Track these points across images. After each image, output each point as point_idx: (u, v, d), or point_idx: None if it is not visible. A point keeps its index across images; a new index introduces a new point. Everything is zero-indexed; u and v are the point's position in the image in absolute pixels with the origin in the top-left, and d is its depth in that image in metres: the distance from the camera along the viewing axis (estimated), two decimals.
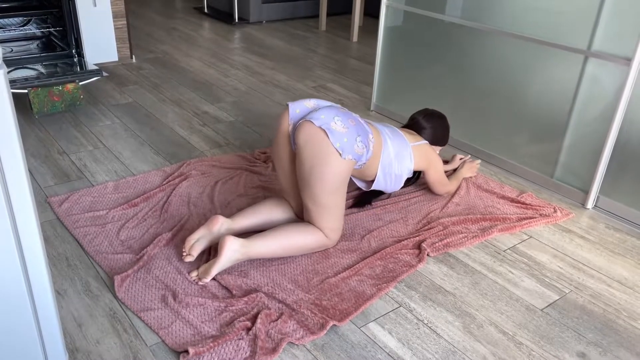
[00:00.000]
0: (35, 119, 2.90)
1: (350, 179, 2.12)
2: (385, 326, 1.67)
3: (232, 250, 1.79)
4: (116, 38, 3.84)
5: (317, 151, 1.82)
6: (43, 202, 2.20)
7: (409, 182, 2.44)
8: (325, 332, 1.61)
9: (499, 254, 2.04)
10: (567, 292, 1.86)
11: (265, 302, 1.70)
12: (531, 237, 2.15)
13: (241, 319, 1.63)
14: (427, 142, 2.27)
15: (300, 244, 1.88)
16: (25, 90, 2.74)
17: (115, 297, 1.71)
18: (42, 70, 3.09)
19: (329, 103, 2.00)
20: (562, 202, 2.43)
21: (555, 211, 2.31)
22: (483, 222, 2.22)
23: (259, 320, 1.60)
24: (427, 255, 2.00)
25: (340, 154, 1.82)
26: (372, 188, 2.16)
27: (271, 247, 1.84)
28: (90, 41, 3.55)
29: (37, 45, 3.49)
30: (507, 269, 1.96)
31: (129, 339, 1.56)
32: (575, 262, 2.01)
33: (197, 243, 1.87)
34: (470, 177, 2.55)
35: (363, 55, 4.51)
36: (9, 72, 2.97)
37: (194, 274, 1.80)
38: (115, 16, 3.77)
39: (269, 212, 2.01)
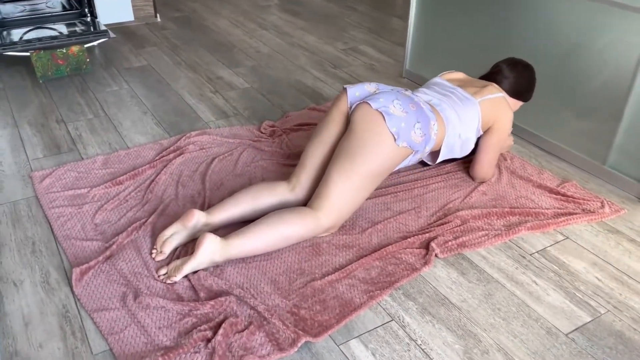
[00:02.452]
0: (41, 84, 2.77)
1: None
2: (369, 345, 1.41)
3: (210, 251, 1.57)
4: None
5: (372, 131, 1.71)
6: (27, 176, 2.06)
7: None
8: (296, 349, 1.37)
9: (524, 258, 1.71)
10: (602, 312, 1.52)
11: (234, 308, 1.48)
12: (567, 237, 1.81)
13: (202, 327, 1.42)
14: (504, 95, 2.01)
15: (287, 234, 1.64)
16: (28, 53, 2.59)
17: (73, 292, 1.54)
18: (57, 32, 2.94)
19: (390, 87, 1.86)
20: (613, 194, 2.04)
21: (602, 206, 1.94)
22: (510, 217, 1.89)
23: (221, 331, 1.39)
24: (435, 256, 1.70)
25: (395, 139, 1.68)
26: (439, 160, 1.96)
27: (254, 245, 1.61)
28: (104, 0, 3.36)
29: (61, 4, 3.33)
30: (531, 278, 1.64)
31: (74, 344, 1.39)
32: (618, 274, 1.66)
33: (170, 239, 1.67)
34: (505, 159, 2.20)
35: (407, 13, 4.09)
36: (26, 33, 2.84)
37: (163, 271, 1.60)
38: None
39: (252, 200, 1.76)
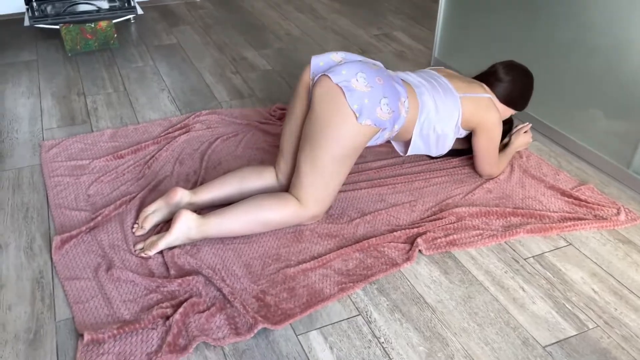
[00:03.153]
0: (71, 58, 2.85)
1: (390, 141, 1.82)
2: (329, 338, 1.36)
3: (187, 227, 1.56)
4: None
5: (331, 110, 1.55)
6: (37, 145, 2.13)
7: (461, 152, 2.04)
8: (252, 334, 1.34)
9: (517, 262, 1.60)
10: (590, 327, 1.40)
11: (200, 288, 1.47)
12: (570, 244, 1.67)
13: (164, 304, 1.41)
14: (491, 96, 1.86)
15: (268, 219, 1.60)
16: (57, 26, 2.67)
17: (51, 259, 1.58)
18: (88, 7, 3.01)
19: (359, 57, 1.71)
20: (634, 201, 1.87)
21: (618, 213, 1.78)
22: (512, 218, 1.77)
23: (181, 310, 1.38)
24: (420, 252, 1.62)
25: (356, 117, 1.54)
26: (409, 153, 1.83)
27: (231, 225, 1.58)
28: None
29: None
30: (519, 283, 1.53)
31: (41, 309, 1.42)
32: (619, 287, 1.52)
33: (151, 215, 1.67)
34: (521, 157, 2.07)
35: None
36: (68, 7, 2.94)
37: (139, 245, 1.61)
38: None
39: (239, 182, 1.74)
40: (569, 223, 1.73)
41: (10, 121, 2.28)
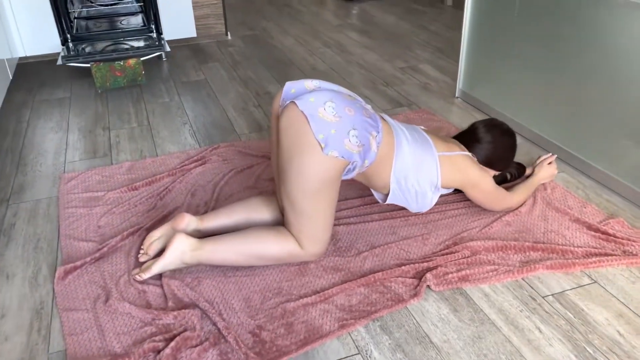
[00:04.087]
0: (100, 94, 2.94)
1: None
2: None
3: (180, 251, 1.54)
4: (212, 15, 3.79)
5: (296, 140, 1.47)
6: (58, 177, 2.17)
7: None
8: None
9: (534, 300, 1.49)
10: None
11: (195, 322, 1.42)
12: (595, 281, 1.54)
13: (157, 337, 1.37)
14: (470, 154, 1.76)
15: (263, 253, 1.56)
16: (88, 65, 2.77)
17: (54, 289, 1.58)
18: (127, 45, 3.13)
19: (334, 86, 1.63)
20: None
21: None
22: (531, 253, 1.66)
23: (172, 344, 1.34)
24: (429, 288, 1.53)
25: (322, 148, 1.44)
26: (388, 202, 1.73)
27: (225, 254, 1.55)
28: (168, 17, 3.53)
29: (141, 19, 3.57)
30: (536, 324, 1.41)
31: (36, 340, 1.41)
32: None
33: (157, 241, 1.66)
34: (545, 189, 1.96)
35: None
36: (106, 47, 3.05)
37: (136, 270, 1.59)
38: None
39: (247, 212, 1.71)
40: (594, 259, 1.61)
41: (36, 155, 2.35)
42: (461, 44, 2.68)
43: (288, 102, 1.54)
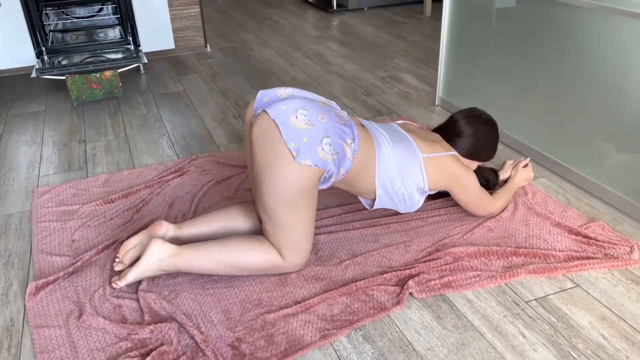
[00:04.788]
0: (76, 106, 2.89)
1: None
2: None
3: (157, 258, 1.50)
4: (191, 27, 3.77)
5: (267, 149, 1.44)
6: (31, 191, 2.11)
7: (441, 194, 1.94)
8: None
9: (518, 305, 1.47)
10: None
11: (172, 336, 1.38)
12: (578, 285, 1.53)
13: (132, 353, 1.33)
14: (453, 153, 1.75)
15: (244, 263, 1.52)
16: (64, 77, 2.73)
17: (25, 306, 1.52)
18: (104, 57, 3.09)
19: (308, 94, 1.60)
20: None
21: (631, 251, 1.65)
22: (513, 258, 1.65)
23: (148, 359, 1.29)
24: (411, 295, 1.51)
25: (294, 156, 1.42)
26: (376, 207, 1.71)
27: (203, 261, 1.51)
28: (146, 30, 3.50)
29: (118, 32, 3.53)
30: (520, 329, 1.39)
31: (6, 358, 1.35)
32: (632, 333, 1.37)
33: (133, 250, 1.61)
34: (526, 194, 1.95)
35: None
36: (84, 60, 3.01)
37: (115, 277, 1.55)
38: (188, 4, 3.69)
39: (226, 220, 1.67)
40: (576, 262, 1.60)
41: (8, 170, 2.29)
42: (440, 53, 2.69)
43: (260, 110, 1.52)
